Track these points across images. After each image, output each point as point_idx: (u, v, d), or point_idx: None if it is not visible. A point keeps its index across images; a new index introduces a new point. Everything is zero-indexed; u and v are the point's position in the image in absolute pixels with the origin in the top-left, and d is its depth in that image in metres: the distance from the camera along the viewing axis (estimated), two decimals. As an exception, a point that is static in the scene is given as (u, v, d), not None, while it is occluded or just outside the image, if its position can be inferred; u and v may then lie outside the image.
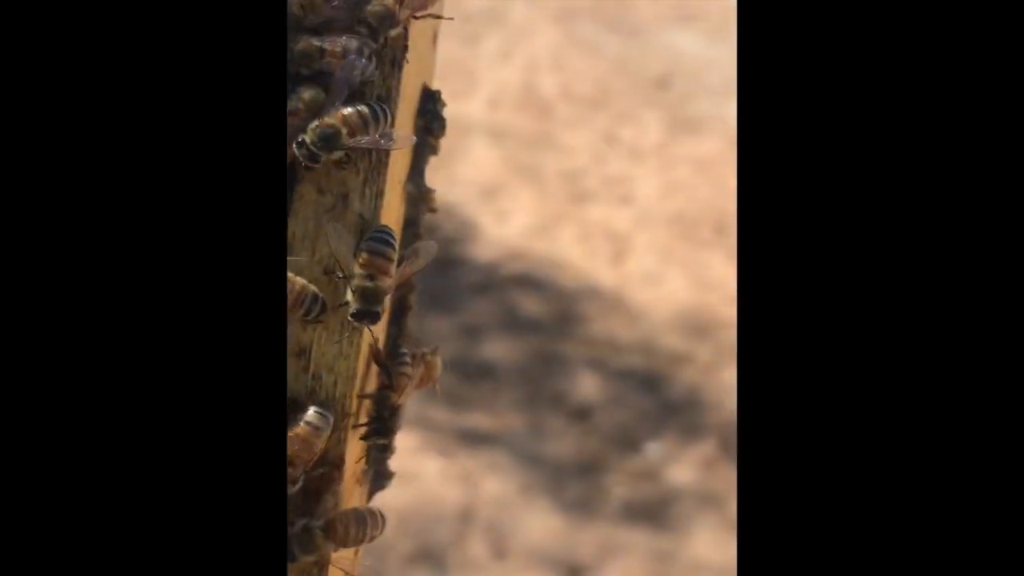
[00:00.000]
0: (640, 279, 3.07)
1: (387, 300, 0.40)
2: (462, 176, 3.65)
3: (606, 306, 2.94)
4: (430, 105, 0.38)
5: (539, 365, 2.66)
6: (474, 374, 2.60)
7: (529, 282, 3.02)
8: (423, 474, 2.27)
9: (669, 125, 4.22)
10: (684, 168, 3.82)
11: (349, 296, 0.38)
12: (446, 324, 2.79)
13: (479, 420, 2.46)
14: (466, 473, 2.29)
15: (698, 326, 2.87)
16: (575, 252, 3.19)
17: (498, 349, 2.72)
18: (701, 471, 2.35)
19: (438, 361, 0.44)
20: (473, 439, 2.40)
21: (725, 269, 3.14)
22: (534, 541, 2.13)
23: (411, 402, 0.53)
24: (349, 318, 0.39)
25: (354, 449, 0.40)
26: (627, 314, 2.92)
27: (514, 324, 2.82)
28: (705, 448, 2.42)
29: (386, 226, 0.40)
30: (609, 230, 3.33)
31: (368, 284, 0.38)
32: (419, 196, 0.40)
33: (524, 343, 2.74)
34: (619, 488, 2.29)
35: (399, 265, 0.42)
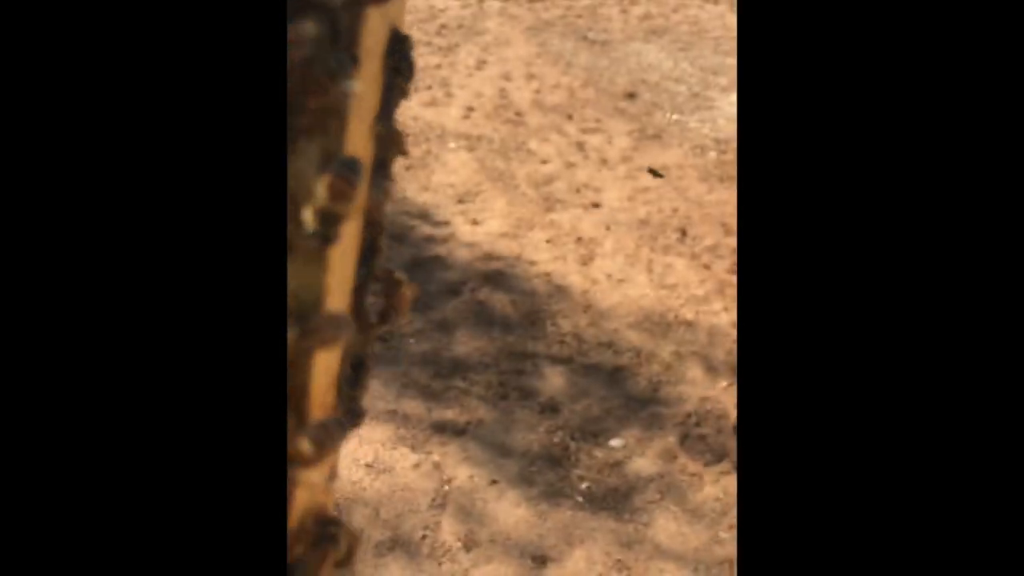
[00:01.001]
0: (606, 280, 3.10)
1: (344, 230, 0.37)
2: (438, 181, 3.66)
3: (574, 305, 2.96)
4: (398, 46, 0.36)
5: (509, 361, 2.67)
6: (446, 370, 2.61)
7: (501, 282, 3.03)
8: (396, 466, 2.27)
9: (636, 135, 4.25)
10: (649, 177, 3.85)
11: (308, 217, 0.36)
12: (421, 321, 2.80)
13: (451, 414, 2.46)
14: (438, 465, 2.29)
15: (660, 325, 2.90)
16: (545, 254, 3.21)
17: (470, 346, 2.72)
18: (662, 463, 2.37)
19: (407, 293, 0.40)
20: (445, 432, 2.40)
21: (686, 272, 3.17)
22: (503, 530, 2.13)
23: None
24: (306, 239, 0.36)
25: (320, 381, 0.38)
26: (594, 313, 2.93)
27: (486, 322, 2.83)
28: (666, 441, 2.43)
29: (354, 156, 0.37)
30: (578, 234, 3.35)
31: (329, 207, 0.36)
32: (388, 138, 0.38)
33: (495, 340, 2.75)
34: (584, 479, 2.30)
35: (369, 206, 0.39)
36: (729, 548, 2.16)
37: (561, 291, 3.01)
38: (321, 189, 0.34)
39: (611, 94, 4.71)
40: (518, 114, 4.37)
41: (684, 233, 3.40)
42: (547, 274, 3.10)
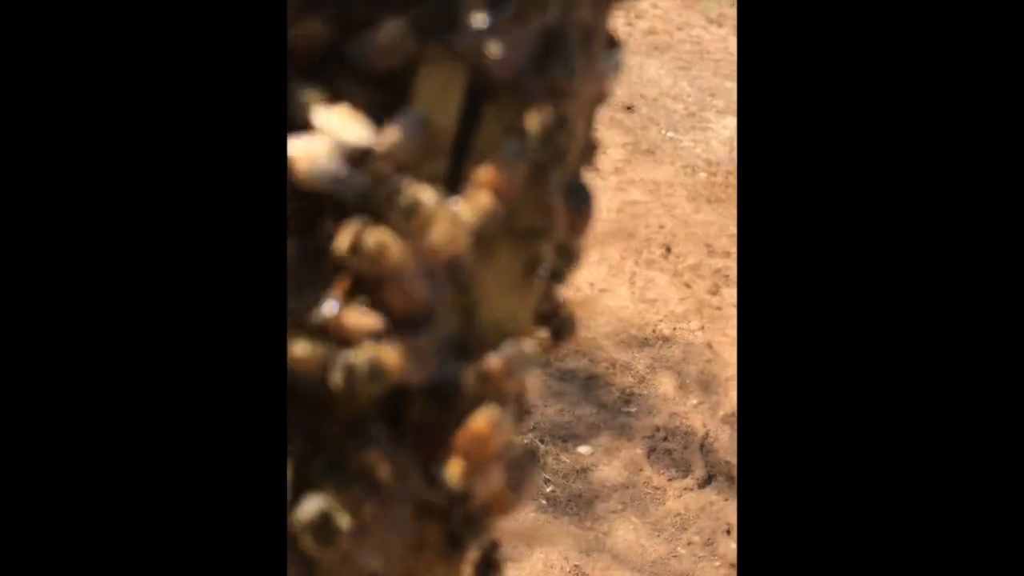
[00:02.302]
0: (588, 289, 3.10)
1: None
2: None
3: (555, 311, 2.96)
4: (612, 49, 0.34)
5: (487, 360, 2.67)
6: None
7: (485, 281, 3.03)
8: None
9: (629, 148, 4.26)
10: (639, 191, 3.86)
11: (546, 249, 0.31)
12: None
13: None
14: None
15: (638, 338, 2.91)
16: (531, 258, 3.21)
17: (450, 341, 2.72)
18: (628, 473, 2.38)
19: (577, 325, 0.36)
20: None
21: (667, 288, 3.18)
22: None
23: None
24: (540, 273, 0.32)
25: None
26: (574, 321, 2.94)
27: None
28: (633, 452, 2.44)
29: (585, 183, 0.31)
30: (565, 240, 3.35)
31: (568, 243, 0.32)
32: (588, 149, 0.34)
33: (475, 338, 2.75)
34: (550, 482, 2.30)
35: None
36: (686, 564, 2.17)
37: (543, 295, 3.02)
38: (561, 219, 0.29)
39: (609, 104, 4.72)
40: (516, 116, 4.36)
41: (668, 250, 3.41)
42: (531, 277, 3.10)
